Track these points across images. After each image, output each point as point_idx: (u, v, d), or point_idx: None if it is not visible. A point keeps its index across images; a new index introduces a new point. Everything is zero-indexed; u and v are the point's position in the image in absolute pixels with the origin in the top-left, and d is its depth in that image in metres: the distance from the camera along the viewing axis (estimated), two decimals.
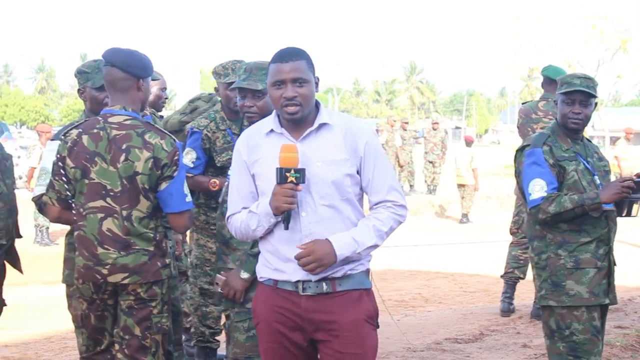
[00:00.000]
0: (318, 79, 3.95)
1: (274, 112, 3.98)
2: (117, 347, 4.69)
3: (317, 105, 3.95)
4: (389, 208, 3.95)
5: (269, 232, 3.92)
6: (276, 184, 3.74)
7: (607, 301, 5.36)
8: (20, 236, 5.46)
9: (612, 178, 17.84)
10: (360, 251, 3.85)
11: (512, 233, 9.30)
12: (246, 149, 3.99)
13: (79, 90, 5.42)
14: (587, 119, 5.32)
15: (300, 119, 3.86)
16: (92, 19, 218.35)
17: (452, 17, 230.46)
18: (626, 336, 8.07)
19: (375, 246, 3.91)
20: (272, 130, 3.93)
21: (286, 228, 3.79)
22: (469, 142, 22.24)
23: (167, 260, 4.71)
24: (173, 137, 4.72)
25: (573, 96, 5.26)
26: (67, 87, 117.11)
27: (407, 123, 26.25)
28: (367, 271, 4.00)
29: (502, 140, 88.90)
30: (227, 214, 4.07)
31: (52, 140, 5.28)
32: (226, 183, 5.13)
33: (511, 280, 9.13)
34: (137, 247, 4.57)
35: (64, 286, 5.27)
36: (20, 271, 5.47)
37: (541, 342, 7.72)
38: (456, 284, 12.30)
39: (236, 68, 6.18)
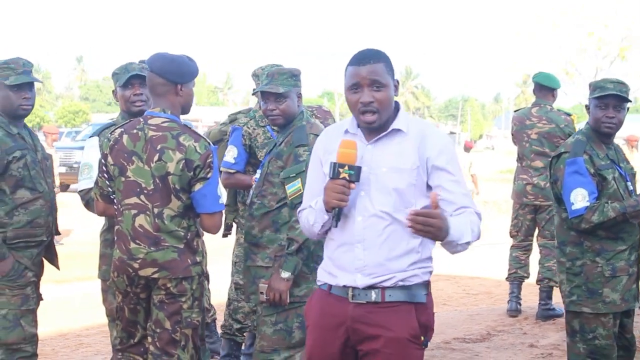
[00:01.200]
0: (397, 82, 3.83)
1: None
2: (149, 340, 4.86)
3: (397, 107, 3.84)
4: (472, 214, 3.75)
5: (329, 234, 3.86)
6: (329, 179, 3.68)
7: (637, 305, 5.49)
8: (59, 233, 5.65)
9: None
10: (461, 243, 3.64)
11: (512, 236, 9.47)
12: (323, 147, 3.94)
13: (113, 91, 5.67)
14: (620, 123, 5.40)
15: (377, 127, 3.76)
16: (88, 21, 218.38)
17: (448, 23, 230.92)
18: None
19: (466, 245, 3.68)
20: (347, 131, 3.85)
21: (335, 225, 3.72)
22: (467, 148, 22.33)
23: (198, 259, 4.86)
24: (208, 140, 4.88)
25: (606, 100, 5.34)
26: (62, 89, 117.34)
27: None
28: (425, 284, 3.81)
29: (497, 146, 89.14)
30: (299, 209, 4.05)
31: (91, 136, 5.59)
32: (254, 184, 5.31)
33: (516, 281, 9.28)
34: (166, 244, 4.74)
35: (74, 285, 5.47)
36: (57, 267, 5.65)
37: (548, 342, 7.93)
38: (459, 286, 12.45)
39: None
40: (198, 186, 4.76)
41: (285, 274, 4.84)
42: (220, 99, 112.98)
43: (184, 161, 4.72)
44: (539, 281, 9.10)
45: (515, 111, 9.65)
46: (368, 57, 3.73)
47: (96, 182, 4.95)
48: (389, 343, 3.72)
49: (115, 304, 5.00)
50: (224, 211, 4.97)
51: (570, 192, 5.29)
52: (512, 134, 9.40)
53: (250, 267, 5.18)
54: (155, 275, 4.73)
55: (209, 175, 4.77)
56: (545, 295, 9.01)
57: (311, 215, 3.85)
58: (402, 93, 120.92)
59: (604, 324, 5.36)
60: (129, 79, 5.56)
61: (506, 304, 9.44)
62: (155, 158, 4.73)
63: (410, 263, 3.75)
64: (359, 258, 3.73)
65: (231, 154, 6.35)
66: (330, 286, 3.85)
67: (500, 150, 77.00)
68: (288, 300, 4.96)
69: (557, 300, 9.31)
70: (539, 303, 9.03)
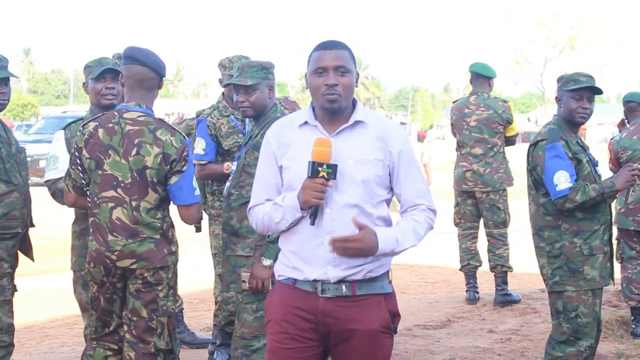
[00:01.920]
0: (358, 74, 3.87)
1: (309, 105, 3.93)
2: (125, 328, 4.98)
3: (353, 102, 3.88)
4: (424, 211, 3.86)
5: (291, 229, 3.84)
6: (307, 178, 3.67)
7: (612, 283, 5.82)
8: (33, 225, 5.71)
9: None
10: (397, 251, 3.76)
11: (456, 224, 9.72)
12: (276, 140, 3.90)
13: (84, 84, 5.78)
14: (591, 113, 5.75)
15: (338, 110, 3.78)
16: (35, 13, 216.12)
17: (398, 14, 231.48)
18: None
19: (408, 249, 3.81)
20: (305, 123, 3.85)
21: (312, 223, 3.72)
22: (420, 138, 22.61)
23: (173, 248, 5.00)
24: (183, 134, 5.02)
25: (581, 92, 5.63)
26: (13, 82, 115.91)
27: None
28: (388, 273, 3.89)
29: (447, 136, 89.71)
30: (250, 205, 4.01)
31: (58, 129, 5.72)
32: (231, 174, 5.44)
33: (470, 271, 9.49)
34: (144, 235, 4.87)
35: (38, 277, 5.56)
36: (32, 259, 5.72)
37: (506, 328, 8.16)
38: (416, 275, 12.67)
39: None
40: (174, 179, 4.89)
41: (267, 262, 4.96)
42: (170, 91, 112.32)
43: (161, 155, 4.85)
44: (492, 269, 9.33)
45: (453, 102, 9.92)
46: (334, 44, 3.81)
47: (68, 174, 5.04)
48: (362, 336, 3.77)
49: (89, 295, 5.12)
50: None
51: (552, 175, 5.55)
52: (452, 124, 9.62)
53: (230, 256, 5.30)
54: (134, 266, 4.85)
55: (184, 168, 4.91)
56: (501, 281, 9.25)
57: (276, 213, 3.81)
58: None
59: (584, 301, 5.62)
60: (103, 73, 5.66)
61: (464, 292, 9.66)
62: (133, 152, 4.85)
63: None
64: (329, 250, 3.72)
65: (200, 145, 6.48)
66: (295, 280, 3.83)
67: (450, 140, 77.48)
68: (270, 287, 5.09)
69: (513, 287, 9.61)
70: (496, 289, 9.26)
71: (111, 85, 5.67)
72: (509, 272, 9.31)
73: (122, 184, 4.86)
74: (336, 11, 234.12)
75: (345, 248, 3.64)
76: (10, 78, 5.52)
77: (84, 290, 5.48)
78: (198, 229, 6.78)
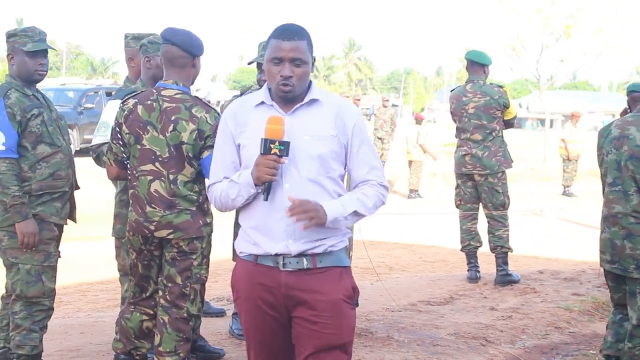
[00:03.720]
0: (314, 58, 3.96)
1: (265, 85, 4.00)
2: (160, 293, 5.27)
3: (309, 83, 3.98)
4: (374, 186, 3.98)
5: (250, 205, 3.92)
6: (260, 155, 3.75)
7: None
8: (78, 187, 5.94)
9: (559, 161, 18.70)
10: (347, 215, 3.85)
11: (457, 206, 9.92)
12: (233, 120, 3.98)
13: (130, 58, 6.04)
14: None
15: (292, 97, 3.88)
16: None
17: None
18: (583, 302, 8.80)
19: (360, 215, 3.93)
20: (262, 102, 3.93)
21: (265, 199, 3.80)
22: (419, 120, 22.82)
23: (208, 220, 5.29)
24: (217, 111, 5.30)
25: None
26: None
27: (358, 100, 26.58)
28: (346, 249, 4.00)
29: (438, 119, 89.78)
30: (209, 183, 4.12)
31: (112, 99, 6.00)
32: None
33: (471, 251, 9.75)
34: (181, 207, 5.15)
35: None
36: (75, 221, 5.94)
37: (507, 306, 8.44)
38: (415, 254, 12.93)
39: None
40: (206, 153, 5.14)
41: None
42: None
43: (196, 132, 5.12)
44: (492, 249, 9.59)
45: (451, 90, 10.11)
46: (292, 33, 3.83)
47: (110, 148, 5.31)
48: (326, 305, 3.85)
49: (129, 261, 5.41)
50: None
51: None
52: (451, 112, 9.84)
53: None
54: (170, 236, 5.13)
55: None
56: (501, 261, 9.51)
57: (232, 189, 3.89)
58: (345, 65, 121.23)
59: None
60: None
61: (464, 271, 9.95)
62: (170, 128, 5.11)
63: (338, 228, 3.93)
64: (289, 224, 3.80)
65: None
66: (257, 257, 3.90)
67: (441, 123, 77.70)
68: None
69: (513, 267, 9.90)
70: (497, 269, 9.53)
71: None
72: (509, 253, 9.59)
73: (160, 158, 5.12)
74: None
75: (303, 208, 3.73)
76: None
77: (127, 255, 5.73)
78: None
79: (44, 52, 5.65)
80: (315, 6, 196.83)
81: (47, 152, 5.57)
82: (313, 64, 3.93)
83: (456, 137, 9.76)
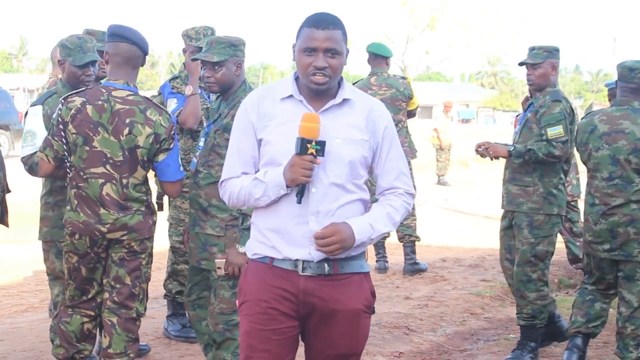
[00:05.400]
0: (348, 50, 3.72)
1: (291, 77, 3.77)
2: (106, 295, 5.15)
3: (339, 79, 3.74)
4: (401, 196, 3.80)
5: (271, 206, 3.68)
6: (295, 154, 3.53)
7: None
8: (9, 191, 5.68)
9: (432, 150, 19.00)
10: (374, 237, 3.69)
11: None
12: (256, 111, 3.71)
13: (59, 61, 5.77)
14: None
15: (325, 90, 3.65)
16: None
17: None
18: (493, 288, 9.04)
19: (385, 233, 3.79)
20: (290, 96, 3.69)
21: (299, 202, 3.58)
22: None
23: (155, 218, 5.22)
24: (169, 112, 5.21)
25: None
26: None
27: None
28: (365, 252, 3.81)
29: None
30: (223, 177, 3.84)
31: (33, 105, 5.66)
32: (198, 154, 5.49)
33: (379, 242, 9.84)
34: (134, 209, 5.05)
35: None
36: (7, 225, 5.70)
37: (421, 295, 8.60)
38: None
39: (207, 34, 6.53)
40: (162, 157, 5.08)
41: (242, 249, 5.01)
42: (14, 66, 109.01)
43: (153, 135, 5.03)
44: (400, 239, 9.73)
45: (353, 83, 10.11)
46: (327, 22, 3.60)
47: (49, 145, 5.08)
48: (345, 316, 3.68)
49: (66, 265, 5.19)
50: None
51: None
52: None
53: (199, 234, 5.34)
54: (124, 237, 5.02)
55: (171, 146, 5.13)
56: (410, 250, 9.69)
57: (257, 189, 3.64)
58: None
59: None
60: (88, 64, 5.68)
61: (371, 262, 10.01)
62: (125, 131, 4.99)
63: None
64: (313, 230, 3.60)
65: (173, 105, 6.56)
66: (273, 259, 3.68)
67: None
68: None
69: (420, 256, 10.04)
70: (405, 258, 9.68)
71: (90, 72, 5.68)
72: (415, 242, 9.71)
73: (112, 161, 4.99)
74: None
75: (325, 244, 3.54)
76: None
77: (57, 259, 5.53)
78: (160, 207, 6.66)
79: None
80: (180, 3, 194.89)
81: None
82: (347, 56, 3.70)
83: None
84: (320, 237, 3.55)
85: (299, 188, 3.57)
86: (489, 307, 8.42)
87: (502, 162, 6.75)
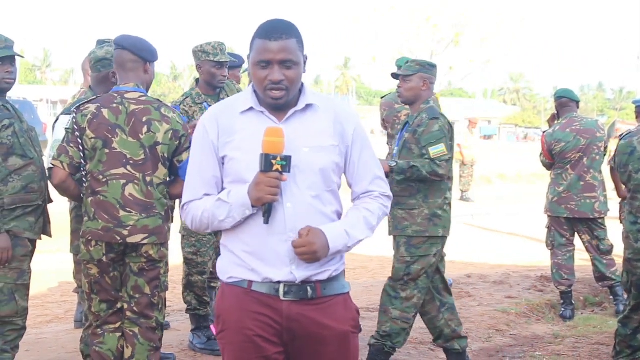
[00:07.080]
0: (306, 57, 3.48)
1: (249, 89, 3.54)
2: (125, 305, 5.15)
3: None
4: (377, 198, 3.61)
5: (241, 227, 3.45)
6: (259, 172, 3.30)
7: None
8: (51, 200, 5.64)
9: (455, 166, 18.88)
10: (351, 245, 3.47)
11: None
12: (215, 128, 3.48)
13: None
14: None
15: (284, 104, 3.43)
16: None
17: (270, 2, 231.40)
18: (518, 305, 8.97)
19: (363, 239, 3.54)
20: (250, 108, 3.46)
21: (266, 222, 3.36)
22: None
23: (170, 225, 5.29)
24: (179, 112, 5.33)
25: None
26: None
27: None
28: (343, 271, 3.60)
29: None
30: (184, 201, 3.59)
31: (63, 114, 5.70)
32: None
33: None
34: (156, 211, 5.07)
35: None
36: (50, 235, 5.67)
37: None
38: None
39: (223, 49, 6.69)
40: (185, 155, 5.08)
41: None
42: (38, 78, 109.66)
43: (171, 131, 5.08)
44: None
45: (382, 97, 10.07)
46: (280, 31, 3.36)
47: (65, 152, 5.07)
48: (334, 339, 3.49)
49: (91, 278, 5.15)
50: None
51: None
52: (383, 119, 9.84)
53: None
54: (145, 241, 5.01)
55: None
56: None
57: (220, 210, 3.42)
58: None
59: None
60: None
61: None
62: (144, 130, 5.03)
63: None
64: (292, 248, 3.37)
65: None
66: (251, 282, 3.44)
67: None
68: None
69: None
70: None
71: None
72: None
73: (132, 161, 5.01)
74: None
75: (302, 253, 3.33)
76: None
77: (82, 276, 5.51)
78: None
79: (10, 60, 5.40)
80: (188, 16, 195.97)
81: (19, 165, 5.33)
82: (305, 64, 3.46)
83: (388, 144, 9.78)
84: (296, 245, 3.33)
85: (266, 207, 3.35)
86: (515, 324, 8.35)
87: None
